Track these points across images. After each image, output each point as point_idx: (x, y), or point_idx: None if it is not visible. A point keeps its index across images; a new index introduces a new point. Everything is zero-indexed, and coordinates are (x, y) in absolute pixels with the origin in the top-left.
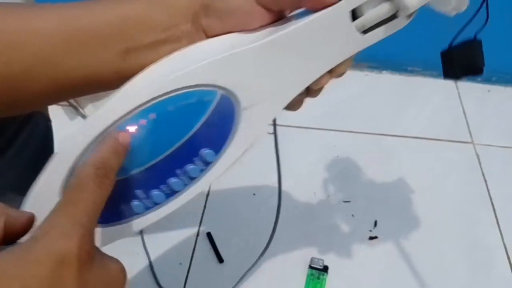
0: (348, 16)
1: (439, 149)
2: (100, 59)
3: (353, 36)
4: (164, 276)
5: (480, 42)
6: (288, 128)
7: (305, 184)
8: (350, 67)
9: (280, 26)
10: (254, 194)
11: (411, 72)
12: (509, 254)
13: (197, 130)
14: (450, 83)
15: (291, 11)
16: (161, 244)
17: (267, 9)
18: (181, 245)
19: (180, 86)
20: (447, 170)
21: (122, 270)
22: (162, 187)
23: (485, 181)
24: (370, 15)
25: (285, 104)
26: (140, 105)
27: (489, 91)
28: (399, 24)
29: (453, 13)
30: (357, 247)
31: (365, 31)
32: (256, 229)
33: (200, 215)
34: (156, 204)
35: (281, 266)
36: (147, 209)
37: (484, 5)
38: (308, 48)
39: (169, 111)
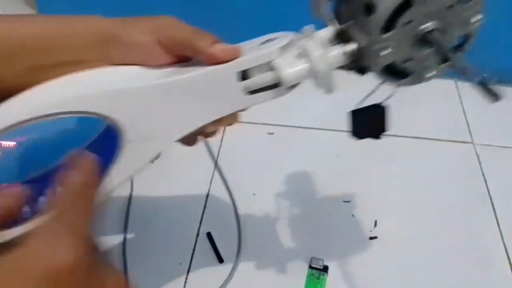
0: (236, 76)
1: (439, 149)
2: (7, 73)
3: (239, 95)
4: (164, 276)
5: (383, 109)
6: (288, 128)
7: (305, 184)
8: (237, 119)
9: (177, 70)
10: (254, 194)
11: None
12: (509, 254)
13: None
14: (450, 83)
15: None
16: (161, 244)
17: (169, 52)
18: (181, 245)
19: (66, 110)
20: (447, 170)
21: (121, 284)
22: (32, 205)
23: (485, 181)
24: (255, 80)
25: (170, 144)
26: (20, 122)
27: None
28: (281, 92)
29: (327, 93)
30: (357, 247)
31: (251, 92)
32: (256, 228)
33: (200, 215)
34: (23, 220)
35: (281, 266)
36: (15, 224)
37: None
38: (196, 98)
39: (52, 133)
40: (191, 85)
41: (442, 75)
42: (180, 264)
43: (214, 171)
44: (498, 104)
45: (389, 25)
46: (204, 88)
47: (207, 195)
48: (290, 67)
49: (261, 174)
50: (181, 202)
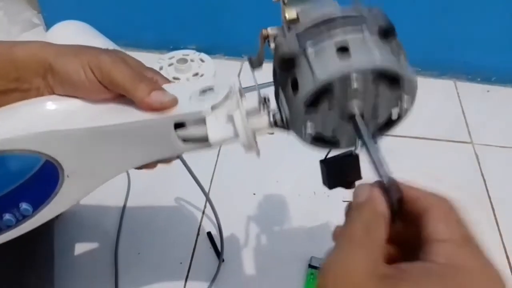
0: (171, 125)
1: (439, 149)
2: None
3: (174, 141)
4: (165, 276)
5: (356, 157)
6: None
7: (305, 183)
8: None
9: (116, 109)
10: (254, 194)
11: None
12: (509, 255)
13: (19, 186)
14: (449, 83)
15: None
16: (162, 243)
17: (108, 89)
18: (181, 245)
19: (4, 148)
20: (446, 170)
21: None
22: None
23: (484, 181)
24: (189, 132)
25: (106, 181)
26: None
27: (488, 91)
28: (210, 146)
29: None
30: None
31: (185, 140)
32: (256, 228)
33: (200, 214)
34: None
35: (281, 265)
36: None
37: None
38: (132, 142)
39: None
40: (126, 130)
41: (440, 74)
42: (181, 263)
43: (214, 170)
44: (497, 104)
45: (313, 104)
46: (140, 134)
47: (207, 194)
48: (218, 132)
49: (262, 173)
50: (181, 201)
